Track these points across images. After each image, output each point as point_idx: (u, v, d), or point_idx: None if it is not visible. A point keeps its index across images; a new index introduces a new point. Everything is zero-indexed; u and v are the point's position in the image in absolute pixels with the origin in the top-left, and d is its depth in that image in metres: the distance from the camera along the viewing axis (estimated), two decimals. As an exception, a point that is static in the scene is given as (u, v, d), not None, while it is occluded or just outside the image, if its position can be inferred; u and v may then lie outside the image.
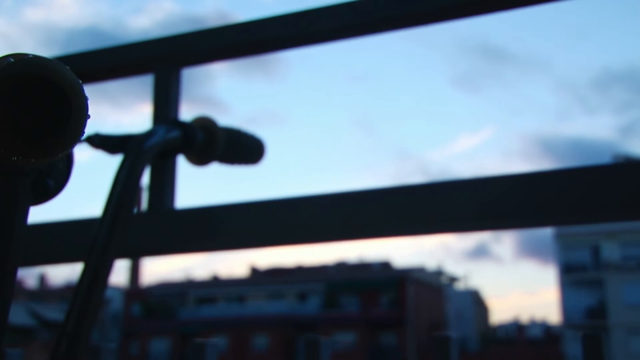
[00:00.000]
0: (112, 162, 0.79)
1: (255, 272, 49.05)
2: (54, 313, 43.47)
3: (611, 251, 35.73)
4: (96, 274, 0.67)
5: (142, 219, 0.96)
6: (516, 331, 46.86)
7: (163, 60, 1.04)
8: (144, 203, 1.00)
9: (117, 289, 48.79)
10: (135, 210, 0.80)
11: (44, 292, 46.89)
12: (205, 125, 0.95)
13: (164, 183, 0.99)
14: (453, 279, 52.99)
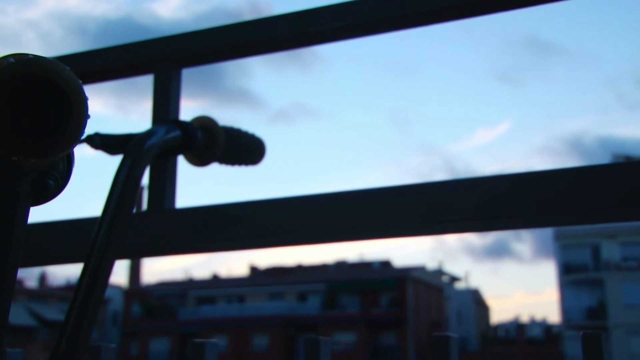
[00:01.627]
0: (112, 162, 0.79)
1: (255, 271, 49.06)
2: (54, 313, 43.47)
3: (611, 251, 35.72)
4: (96, 274, 0.67)
5: (142, 219, 0.96)
6: (516, 331, 46.83)
7: (163, 60, 1.04)
8: (144, 203, 1.00)
9: (117, 289, 48.78)
10: (135, 210, 0.80)
11: (44, 292, 46.88)
12: (205, 125, 0.95)
13: (164, 183, 0.99)
14: (454, 279, 52.97)
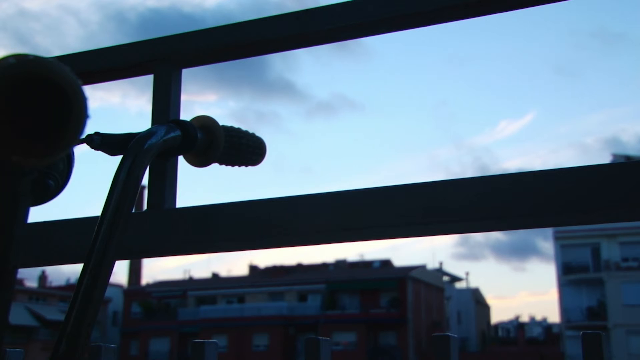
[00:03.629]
0: (112, 162, 0.79)
1: (255, 271, 49.03)
2: (54, 313, 43.47)
3: (611, 251, 35.72)
4: (96, 274, 0.67)
5: (142, 219, 0.96)
6: (516, 331, 46.80)
7: (163, 60, 1.04)
8: (144, 203, 1.00)
9: (117, 288, 48.78)
10: (135, 210, 0.80)
11: (44, 292, 46.88)
12: (205, 125, 0.95)
13: (164, 183, 0.99)
14: (454, 279, 52.95)
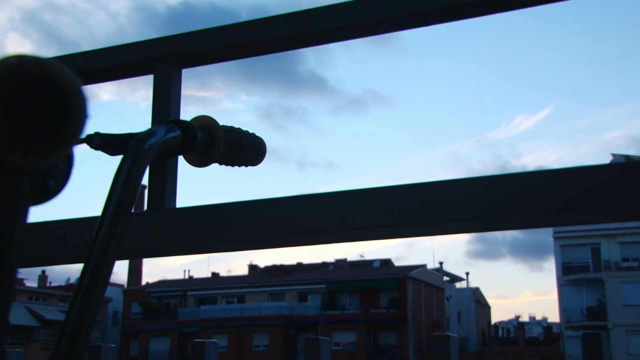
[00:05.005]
0: (112, 162, 0.79)
1: (255, 271, 49.02)
2: (54, 313, 43.48)
3: (611, 251, 35.72)
4: (96, 274, 0.67)
5: (142, 219, 0.96)
6: (516, 330, 46.80)
7: (163, 60, 1.04)
8: (145, 203, 1.00)
9: (117, 288, 48.77)
10: (135, 210, 0.80)
11: (44, 292, 46.88)
12: (205, 125, 0.95)
13: (164, 183, 0.99)
14: (455, 278, 52.94)
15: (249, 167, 1.04)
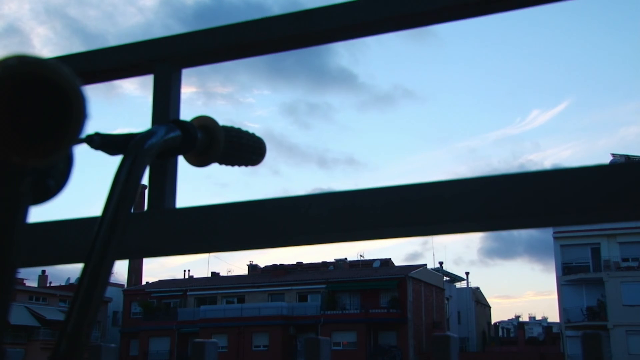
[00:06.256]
0: (112, 162, 0.79)
1: (254, 271, 49.02)
2: (54, 313, 43.48)
3: (611, 251, 35.72)
4: (96, 274, 0.67)
5: (142, 219, 0.96)
6: (516, 330, 46.80)
7: (163, 60, 1.04)
8: (145, 203, 1.00)
9: (117, 288, 48.78)
10: (135, 210, 0.80)
11: (44, 292, 46.88)
12: (205, 125, 0.95)
13: (164, 183, 0.99)
14: (455, 278, 52.93)
15: (249, 167, 1.04)
